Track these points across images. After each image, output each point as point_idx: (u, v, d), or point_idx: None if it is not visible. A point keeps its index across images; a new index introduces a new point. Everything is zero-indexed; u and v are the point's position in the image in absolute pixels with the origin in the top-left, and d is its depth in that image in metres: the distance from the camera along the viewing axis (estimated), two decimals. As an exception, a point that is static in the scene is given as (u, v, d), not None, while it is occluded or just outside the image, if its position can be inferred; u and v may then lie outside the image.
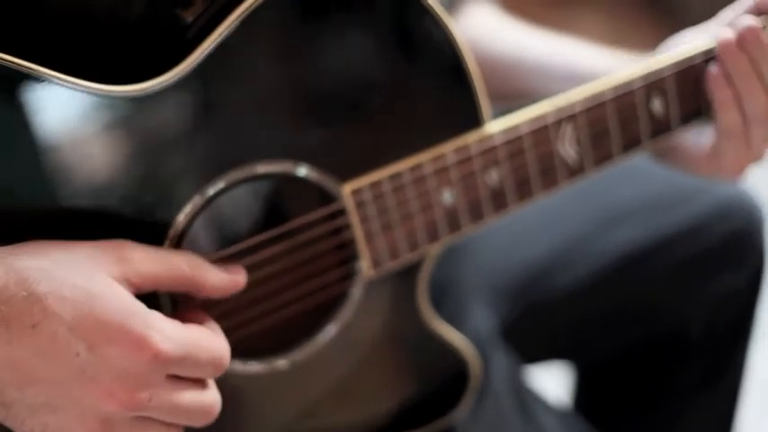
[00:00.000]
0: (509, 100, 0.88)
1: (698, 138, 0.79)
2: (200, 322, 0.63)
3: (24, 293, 0.56)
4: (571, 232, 0.99)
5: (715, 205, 0.99)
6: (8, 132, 0.60)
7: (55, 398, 0.57)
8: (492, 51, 0.91)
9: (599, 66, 0.85)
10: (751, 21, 0.74)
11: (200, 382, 0.61)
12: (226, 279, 0.65)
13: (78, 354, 0.56)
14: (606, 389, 1.08)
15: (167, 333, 0.58)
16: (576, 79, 0.83)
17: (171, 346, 0.58)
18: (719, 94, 0.75)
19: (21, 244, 0.58)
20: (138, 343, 0.57)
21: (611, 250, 0.98)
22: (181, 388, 0.60)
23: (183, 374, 0.60)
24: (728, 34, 0.74)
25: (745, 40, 0.73)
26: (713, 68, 0.75)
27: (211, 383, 0.62)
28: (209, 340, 0.61)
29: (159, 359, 0.57)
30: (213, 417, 0.62)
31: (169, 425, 0.60)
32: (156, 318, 0.58)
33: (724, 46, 0.74)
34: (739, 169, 0.78)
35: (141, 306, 0.58)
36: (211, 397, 0.62)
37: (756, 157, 0.78)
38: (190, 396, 0.60)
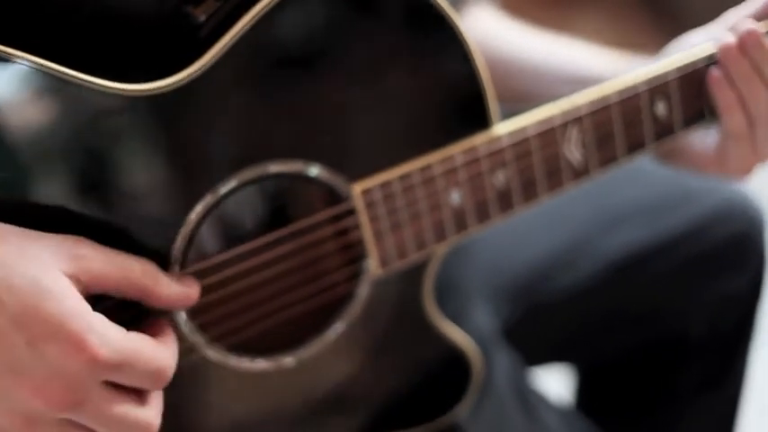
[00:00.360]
0: (508, 102, 0.88)
1: (704, 139, 0.80)
2: (155, 332, 0.63)
3: None
4: (572, 234, 1.00)
5: (716, 208, 1.00)
6: (17, 128, 0.60)
7: None
8: (492, 53, 0.91)
9: (598, 69, 0.85)
10: (752, 25, 0.74)
11: (139, 398, 0.60)
12: (178, 291, 0.64)
13: (16, 346, 0.56)
14: (607, 390, 1.09)
15: (107, 338, 0.57)
16: (573, 82, 0.84)
17: (107, 351, 0.57)
18: (723, 97, 0.76)
19: None
20: (76, 344, 0.56)
21: (613, 252, 0.98)
22: (116, 399, 0.59)
23: (121, 382, 0.59)
24: (730, 38, 0.75)
25: (746, 44, 0.74)
26: (715, 72, 0.76)
27: (154, 403, 0.61)
28: (152, 350, 0.60)
29: (95, 363, 0.56)
30: None
31: None
32: (99, 321, 0.58)
33: (725, 50, 0.75)
34: (745, 169, 0.79)
35: (86, 307, 0.58)
36: (148, 414, 0.60)
37: (762, 158, 0.78)
38: (124, 408, 0.59)
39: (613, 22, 2.30)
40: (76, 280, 0.59)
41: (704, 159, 0.80)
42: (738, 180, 0.82)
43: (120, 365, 0.58)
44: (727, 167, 0.79)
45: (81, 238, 0.60)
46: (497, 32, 0.95)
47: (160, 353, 0.61)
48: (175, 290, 0.64)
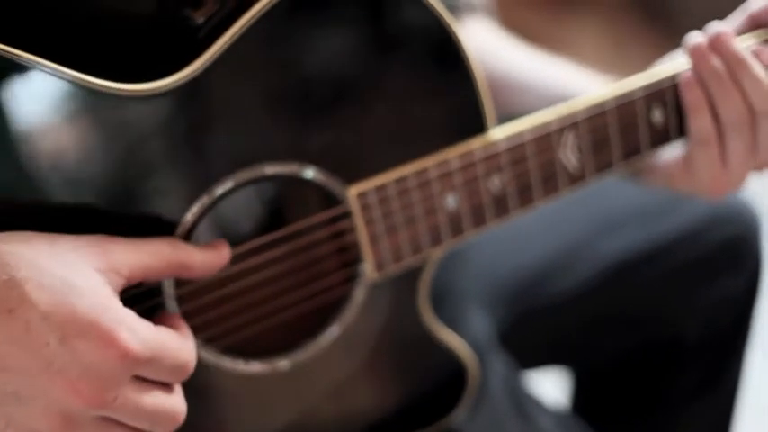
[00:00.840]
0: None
1: (672, 152, 0.79)
2: (173, 326, 0.63)
3: (5, 277, 0.55)
4: (568, 238, 1.00)
5: (712, 211, 1.00)
6: (16, 127, 0.60)
7: (22, 388, 0.56)
8: (484, 67, 0.91)
9: (584, 91, 0.82)
10: (723, 27, 0.74)
11: (166, 388, 0.61)
12: (210, 254, 0.65)
13: (48, 344, 0.56)
14: (603, 393, 1.09)
15: (137, 333, 0.58)
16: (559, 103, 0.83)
17: (139, 345, 0.58)
18: (690, 97, 0.75)
19: (7, 232, 0.58)
20: (108, 339, 0.56)
21: (609, 256, 0.98)
22: (146, 390, 0.59)
23: (149, 376, 0.60)
24: (699, 38, 0.74)
25: (715, 44, 0.74)
26: (687, 73, 0.75)
27: (178, 390, 0.62)
28: (177, 345, 0.61)
29: (127, 358, 0.57)
30: (177, 424, 0.62)
31: (132, 428, 0.60)
32: (129, 316, 0.58)
33: (694, 49, 0.74)
34: (716, 187, 0.77)
35: (116, 303, 0.58)
36: (176, 403, 0.61)
37: (734, 181, 0.76)
38: (154, 399, 0.60)
39: (608, 25, 2.30)
40: (116, 273, 0.60)
41: (672, 171, 0.78)
42: (710, 198, 0.80)
43: (150, 360, 0.58)
44: (696, 179, 0.77)
45: (103, 235, 0.61)
46: (489, 47, 0.94)
47: (184, 346, 0.62)
48: (207, 255, 0.65)
